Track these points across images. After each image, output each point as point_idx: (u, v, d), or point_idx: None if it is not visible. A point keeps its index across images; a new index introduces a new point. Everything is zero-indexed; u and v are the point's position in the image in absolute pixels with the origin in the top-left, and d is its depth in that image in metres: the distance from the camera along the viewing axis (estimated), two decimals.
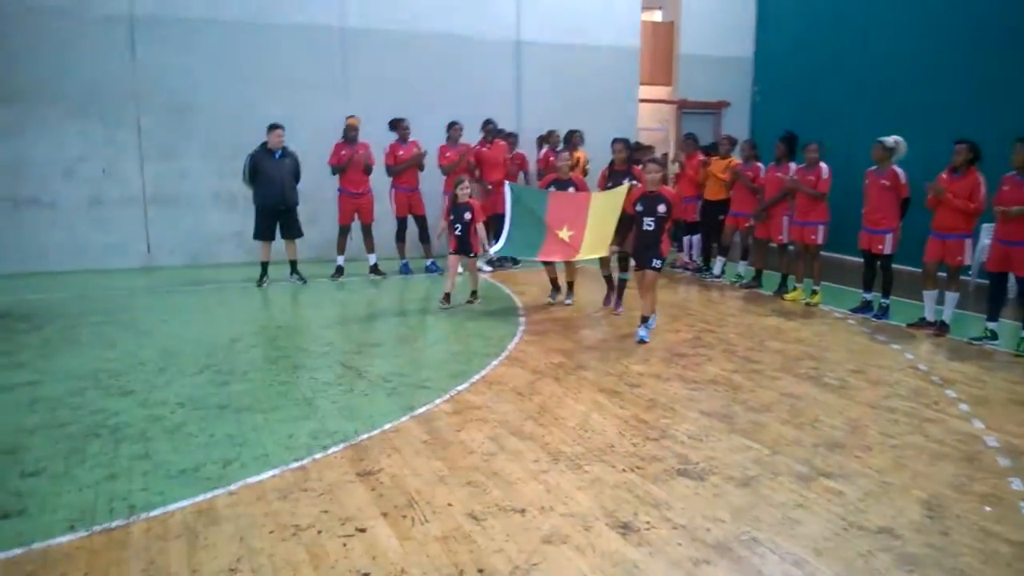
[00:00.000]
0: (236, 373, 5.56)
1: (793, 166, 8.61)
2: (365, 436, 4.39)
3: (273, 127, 8.71)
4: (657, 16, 13.61)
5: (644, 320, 6.68)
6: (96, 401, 4.90)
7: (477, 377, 5.53)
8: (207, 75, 9.80)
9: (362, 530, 3.30)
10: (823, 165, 8.21)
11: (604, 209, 7.35)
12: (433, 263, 9.87)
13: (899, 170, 7.44)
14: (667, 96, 13.39)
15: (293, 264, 9.10)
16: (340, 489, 3.70)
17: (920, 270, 7.36)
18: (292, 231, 8.95)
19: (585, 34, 11.84)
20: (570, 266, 8.06)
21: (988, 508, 3.60)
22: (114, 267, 9.62)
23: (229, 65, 9.89)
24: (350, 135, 9.25)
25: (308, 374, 5.52)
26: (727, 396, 5.24)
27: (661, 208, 6.60)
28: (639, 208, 6.69)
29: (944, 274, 7.11)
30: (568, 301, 8.15)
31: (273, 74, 10.09)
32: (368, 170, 9.31)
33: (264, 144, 8.73)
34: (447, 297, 7.72)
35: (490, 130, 10.11)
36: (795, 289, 8.68)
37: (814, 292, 8.39)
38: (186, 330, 6.82)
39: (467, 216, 7.72)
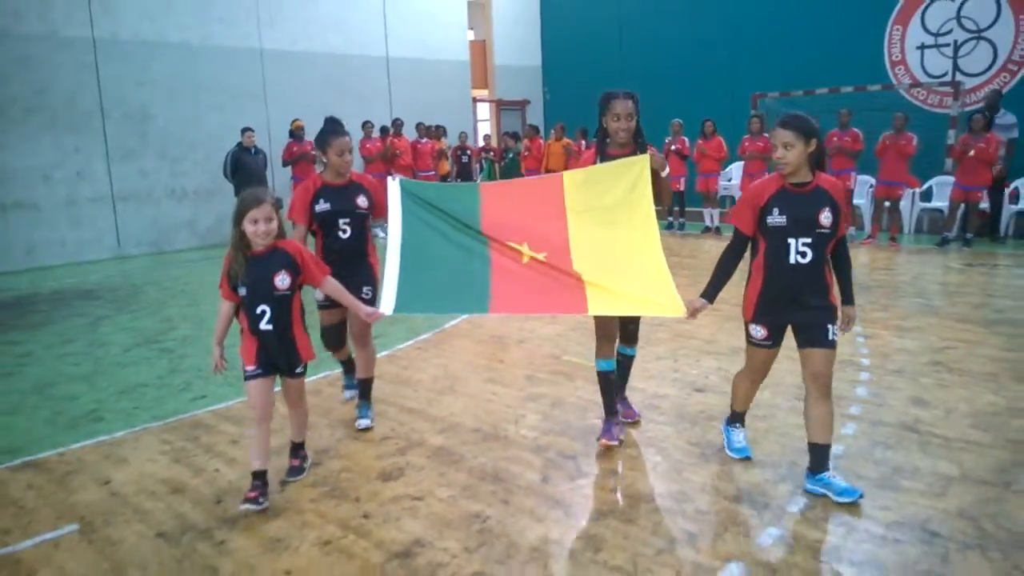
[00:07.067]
0: None
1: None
2: None
3: (246, 129, 10.96)
4: (471, 35, 17.34)
5: (819, 455, 3.17)
6: None
7: None
8: (158, 89, 11.53)
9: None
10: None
11: (610, 202, 3.52)
12: None
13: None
14: (487, 96, 17.28)
15: None
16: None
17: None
18: None
19: (432, 51, 15.24)
20: (364, 349, 4.16)
21: None
22: (91, 259, 11.01)
23: (176, 80, 11.69)
24: (297, 135, 11.72)
25: None
26: None
27: (825, 215, 3.06)
28: (775, 219, 3.12)
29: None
30: (364, 422, 4.16)
31: (210, 87, 12.05)
32: (315, 161, 11.85)
33: (239, 144, 10.93)
34: (255, 490, 3.24)
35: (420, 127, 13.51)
36: None
37: None
38: None
39: (281, 283, 3.25)
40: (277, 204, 3.28)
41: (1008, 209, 10.71)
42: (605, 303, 3.38)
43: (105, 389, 5.08)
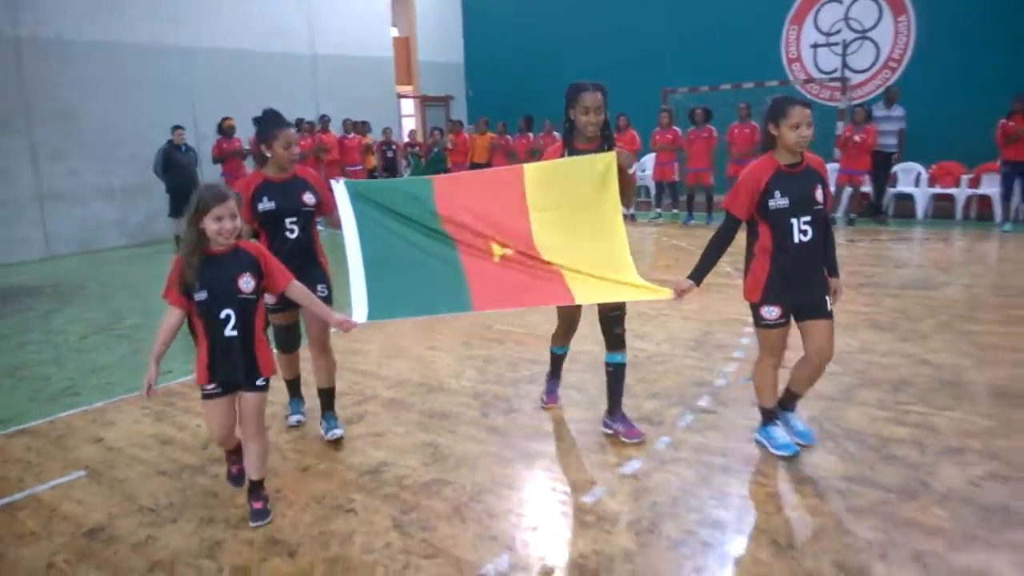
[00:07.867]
0: None
1: (531, 135, 13.77)
2: None
3: (176, 127, 11.19)
4: (395, 32, 17.80)
5: (790, 400, 3.60)
6: None
7: None
8: (82, 88, 11.62)
9: None
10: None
11: (574, 202, 3.45)
12: None
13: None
14: (412, 92, 17.80)
15: None
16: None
17: None
18: None
19: (356, 47, 15.67)
20: (324, 357, 4.00)
21: None
22: (19, 260, 11.06)
23: (99, 79, 11.79)
24: (228, 132, 11.99)
25: None
26: None
27: (819, 192, 3.27)
28: (777, 202, 3.23)
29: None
30: (337, 432, 3.92)
31: (134, 85, 12.19)
32: (245, 156, 12.18)
33: (170, 141, 11.16)
34: (259, 500, 3.18)
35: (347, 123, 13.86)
36: None
37: None
38: None
39: (245, 286, 3.00)
40: (239, 200, 2.99)
41: (889, 192, 12.00)
42: (591, 292, 3.29)
43: (75, 370, 5.49)
